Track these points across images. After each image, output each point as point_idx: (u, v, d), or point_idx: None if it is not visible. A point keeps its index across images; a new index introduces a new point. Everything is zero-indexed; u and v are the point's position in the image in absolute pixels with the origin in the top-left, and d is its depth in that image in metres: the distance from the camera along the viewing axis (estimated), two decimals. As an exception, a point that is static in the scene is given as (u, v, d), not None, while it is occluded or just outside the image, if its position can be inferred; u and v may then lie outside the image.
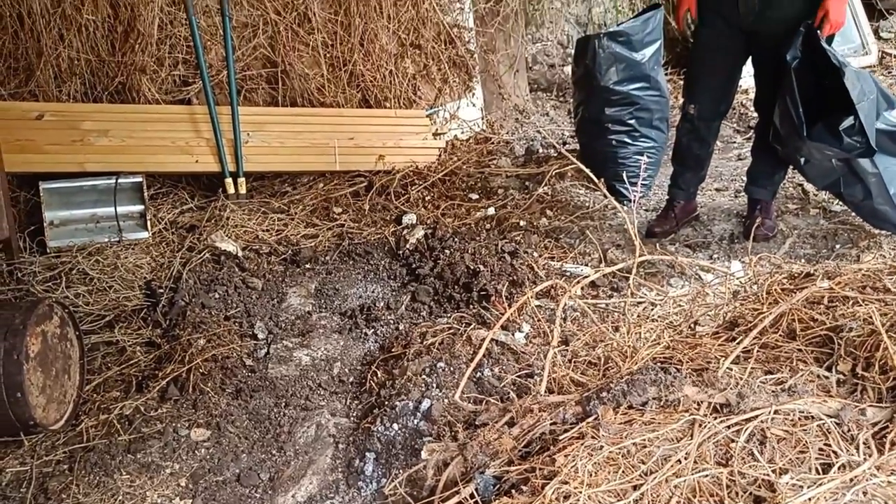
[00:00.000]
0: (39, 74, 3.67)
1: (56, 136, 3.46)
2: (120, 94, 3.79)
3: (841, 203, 3.23)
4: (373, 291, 3.02)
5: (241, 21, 3.93)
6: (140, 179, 3.46)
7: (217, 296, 2.89)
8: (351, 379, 2.53)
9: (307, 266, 3.16)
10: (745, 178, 3.32)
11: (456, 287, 2.83)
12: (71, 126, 3.50)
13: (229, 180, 3.63)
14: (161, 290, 2.94)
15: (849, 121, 2.62)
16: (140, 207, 3.45)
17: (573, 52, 3.86)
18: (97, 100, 3.77)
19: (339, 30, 4.05)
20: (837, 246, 3.09)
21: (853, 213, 3.15)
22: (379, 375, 2.44)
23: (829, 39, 2.73)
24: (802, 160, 2.88)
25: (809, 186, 3.50)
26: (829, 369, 1.88)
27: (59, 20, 3.68)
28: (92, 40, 3.73)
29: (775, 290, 2.21)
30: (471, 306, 2.73)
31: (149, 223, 3.40)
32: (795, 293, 2.09)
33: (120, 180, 3.43)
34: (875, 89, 2.68)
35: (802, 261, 2.95)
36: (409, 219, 3.44)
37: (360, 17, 4.05)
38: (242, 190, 3.65)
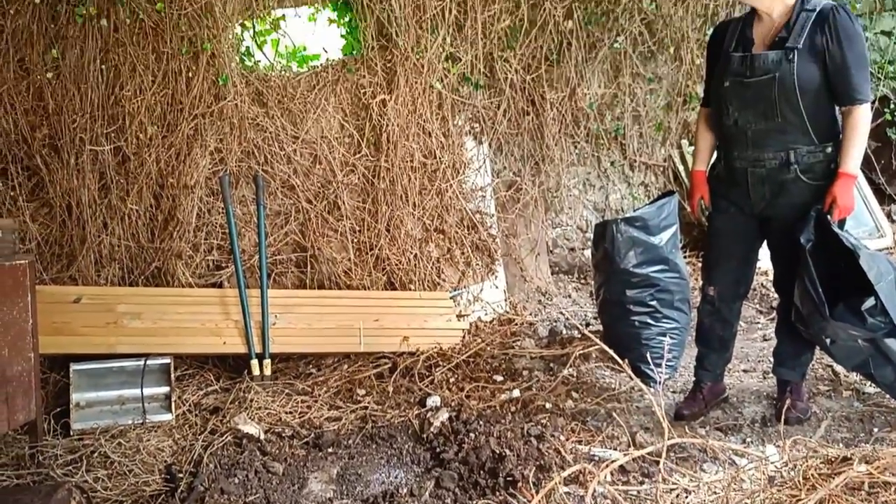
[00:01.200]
0: (81, 260, 3.85)
1: (91, 319, 3.56)
2: (155, 279, 3.95)
3: (874, 385, 3.17)
4: (396, 477, 2.94)
5: (275, 209, 4.15)
6: (168, 361, 3.50)
7: (237, 481, 2.83)
8: (372, 572, 2.40)
9: (329, 450, 3.10)
10: (772, 360, 3.29)
11: (481, 472, 2.75)
12: (106, 309, 3.61)
13: (255, 362, 3.66)
14: (181, 475, 2.89)
15: (870, 301, 2.63)
16: (166, 389, 3.47)
17: (592, 236, 3.98)
18: (133, 283, 3.92)
19: (367, 216, 4.26)
20: (875, 429, 2.99)
21: (888, 395, 3.08)
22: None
23: (841, 223, 2.80)
24: (828, 340, 2.86)
25: (839, 367, 3.45)
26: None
27: (104, 210, 3.91)
28: (133, 228, 3.95)
29: (812, 475, 2.13)
30: (497, 493, 2.63)
31: (173, 405, 3.41)
32: (833, 478, 2.01)
33: (148, 362, 3.47)
34: (892, 270, 2.71)
35: (840, 445, 2.85)
36: (434, 401, 3.41)
37: (387, 205, 4.27)
38: (268, 371, 3.67)
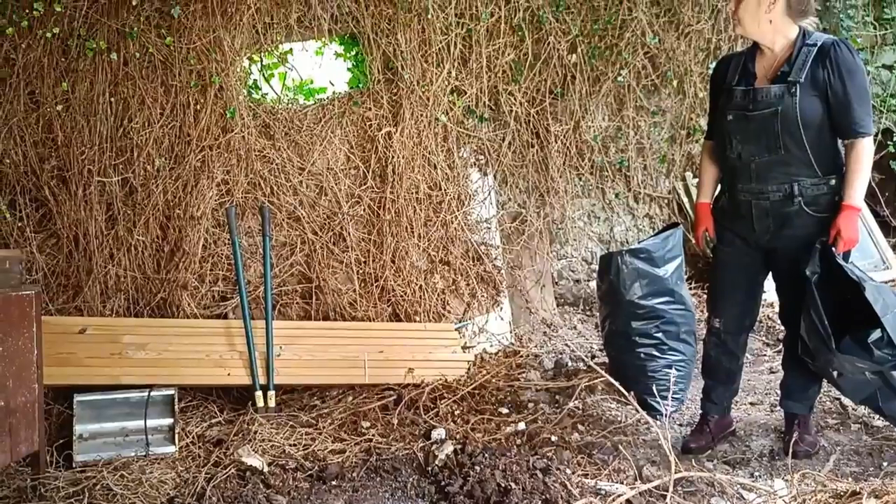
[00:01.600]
0: (87, 291, 3.86)
1: (96, 350, 3.56)
2: (161, 309, 3.95)
3: (882, 418, 3.14)
4: (400, 510, 2.91)
5: (280, 240, 4.17)
6: (172, 392, 3.49)
7: (240, 514, 2.80)
8: None
9: (334, 483, 3.08)
10: (779, 392, 3.27)
11: (486, 506, 2.73)
12: (111, 340, 3.61)
13: (259, 393, 3.65)
14: (183, 508, 2.86)
15: (877, 333, 2.62)
16: (169, 421, 3.46)
17: (597, 267, 3.99)
18: (139, 314, 3.93)
19: (372, 248, 4.27)
20: (885, 463, 2.96)
21: (896, 429, 3.06)
22: None
23: (846, 256, 2.80)
24: (835, 373, 2.85)
25: (847, 400, 3.43)
26: None
27: (111, 241, 3.93)
28: (140, 259, 3.97)
29: (822, 510, 2.11)
30: (502, 527, 2.61)
31: (177, 437, 3.39)
32: (844, 514, 1.98)
33: (152, 393, 3.46)
34: (898, 303, 2.71)
35: (849, 479, 2.82)
36: (439, 433, 3.39)
37: (392, 237, 4.28)
38: (272, 403, 3.66)
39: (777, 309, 3.42)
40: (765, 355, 4.40)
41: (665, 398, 3.25)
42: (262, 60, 4.32)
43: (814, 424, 3.22)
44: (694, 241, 3.29)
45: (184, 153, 4.01)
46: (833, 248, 2.74)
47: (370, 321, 4.16)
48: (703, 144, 3.27)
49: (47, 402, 3.37)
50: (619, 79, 4.86)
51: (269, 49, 4.27)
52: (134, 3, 3.90)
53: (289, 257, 4.18)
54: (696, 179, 3.72)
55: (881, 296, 2.67)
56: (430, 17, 4.30)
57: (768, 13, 2.78)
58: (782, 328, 3.45)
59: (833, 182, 2.80)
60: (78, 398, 3.38)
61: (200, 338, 3.76)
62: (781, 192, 2.82)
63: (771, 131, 2.77)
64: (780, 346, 3.88)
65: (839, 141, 2.84)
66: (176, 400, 3.48)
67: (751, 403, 3.69)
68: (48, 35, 3.85)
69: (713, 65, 3.40)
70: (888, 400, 2.81)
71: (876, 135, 2.83)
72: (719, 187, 3.13)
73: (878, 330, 2.61)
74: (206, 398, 3.82)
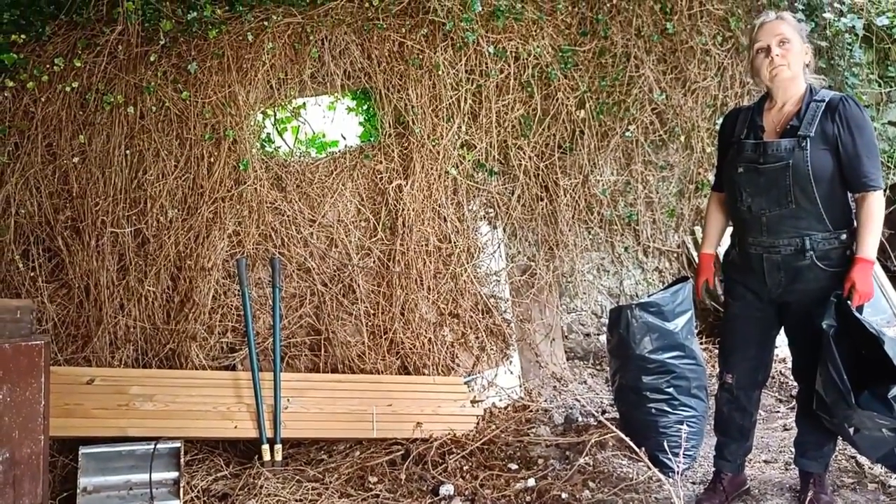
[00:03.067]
0: (96, 341, 3.86)
1: (103, 401, 3.54)
2: (169, 360, 3.94)
3: (900, 477, 3.08)
4: (407, 569, 2.85)
5: (290, 292, 4.17)
6: (178, 445, 3.46)
7: (244, 571, 2.75)
8: None
9: (340, 539, 3.03)
10: (793, 450, 3.21)
11: (496, 565, 2.67)
12: (118, 391, 3.59)
13: (266, 447, 3.61)
14: (186, 564, 2.81)
15: None
16: (175, 474, 3.41)
17: (607, 321, 3.97)
18: (147, 365, 3.92)
19: (382, 300, 4.27)
20: (904, 524, 2.90)
21: (915, 488, 2.99)
22: None
23: (860, 310, 2.78)
24: (852, 430, 2.80)
25: (864, 459, 3.36)
26: None
27: (121, 291, 3.95)
28: (150, 309, 3.97)
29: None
30: (512, 587, 2.54)
31: (181, 491, 3.34)
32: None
33: (158, 445, 3.43)
34: (916, 358, 2.67)
35: (868, 541, 2.75)
36: (447, 490, 3.33)
37: (402, 289, 4.28)
38: (278, 457, 3.61)
39: (789, 364, 3.38)
40: (778, 411, 4.33)
41: (677, 455, 3.20)
42: (275, 114, 4.40)
43: (829, 483, 3.15)
44: (694, 291, 3.28)
45: (196, 205, 4.06)
46: (848, 302, 2.72)
47: (379, 374, 4.13)
48: (709, 196, 3.28)
49: (52, 454, 3.34)
50: (627, 134, 4.92)
51: (283, 104, 4.35)
52: (152, 59, 4.00)
53: (298, 309, 4.18)
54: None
55: (899, 350, 2.64)
56: (440, 73, 4.38)
57: (805, 63, 2.85)
58: (795, 384, 3.41)
59: (844, 237, 2.80)
60: (83, 450, 3.35)
61: (208, 389, 3.74)
62: (793, 246, 2.82)
63: (782, 185, 2.78)
64: (794, 403, 3.83)
65: (849, 195, 2.85)
66: (182, 453, 3.44)
67: (765, 461, 3.62)
68: (67, 89, 3.95)
69: (720, 120, 3.44)
70: (906, 458, 2.76)
71: (884, 190, 2.83)
72: (729, 241, 3.13)
73: (897, 386, 2.57)
74: (213, 451, 3.78)
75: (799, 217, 2.79)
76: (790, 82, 2.85)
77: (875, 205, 2.75)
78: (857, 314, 2.70)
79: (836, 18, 5.26)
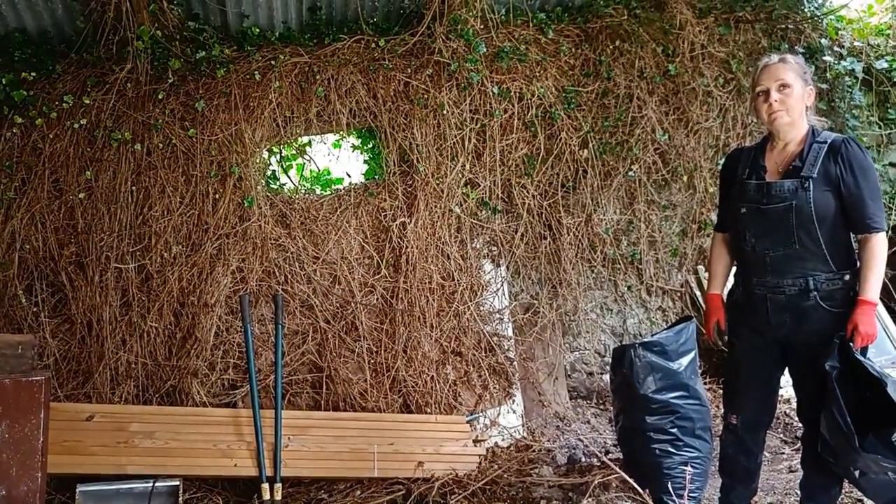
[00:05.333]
0: (97, 377, 3.84)
1: (102, 438, 3.52)
2: (170, 397, 3.92)
3: (908, 522, 3.02)
4: None
5: (293, 328, 4.16)
6: (177, 483, 3.42)
7: None
8: None
9: (339, 581, 2.98)
10: (799, 493, 3.17)
11: None
12: (118, 428, 3.57)
13: (266, 486, 3.57)
14: None
15: (900, 432, 2.55)
16: (173, 513, 3.38)
17: (610, 360, 3.94)
18: (148, 401, 3.90)
19: (384, 337, 4.25)
20: (913, 571, 2.83)
21: (923, 534, 2.94)
22: None
23: (864, 351, 2.76)
24: (857, 473, 2.76)
25: (870, 502, 3.31)
26: None
27: (124, 327, 3.94)
28: (152, 345, 3.96)
29: None
30: None
31: (179, 530, 3.30)
32: None
33: (157, 484, 3.39)
34: (921, 400, 2.64)
35: (877, 587, 2.70)
36: (448, 530, 3.29)
37: (405, 326, 4.27)
38: (278, 496, 3.57)
39: (794, 405, 3.35)
40: (783, 453, 4.28)
41: (681, 497, 3.16)
42: (280, 152, 4.44)
43: (837, 527, 3.10)
44: (705, 334, 3.26)
45: (201, 241, 4.07)
46: (851, 344, 2.71)
47: (381, 412, 4.10)
48: (713, 236, 3.29)
49: (49, 492, 3.31)
50: (630, 174, 4.95)
51: (289, 141, 4.39)
52: (160, 97, 4.05)
53: (300, 346, 4.17)
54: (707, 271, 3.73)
55: (903, 393, 2.61)
56: (445, 112, 4.43)
57: (807, 105, 2.87)
58: (800, 425, 3.37)
59: (847, 277, 2.80)
60: (80, 488, 3.32)
61: (208, 426, 3.71)
62: (797, 287, 2.81)
63: (785, 225, 2.78)
64: (799, 444, 3.79)
65: (852, 236, 2.85)
66: (181, 491, 3.41)
67: (771, 504, 3.58)
68: (76, 126, 3.99)
69: (722, 160, 3.46)
70: (914, 503, 2.72)
71: (887, 231, 2.84)
72: (733, 281, 3.12)
73: (902, 428, 2.55)
74: (212, 489, 3.74)
75: (803, 258, 2.79)
76: (789, 126, 2.87)
77: (878, 246, 2.75)
78: (859, 356, 2.69)
79: (836, 62, 5.32)
